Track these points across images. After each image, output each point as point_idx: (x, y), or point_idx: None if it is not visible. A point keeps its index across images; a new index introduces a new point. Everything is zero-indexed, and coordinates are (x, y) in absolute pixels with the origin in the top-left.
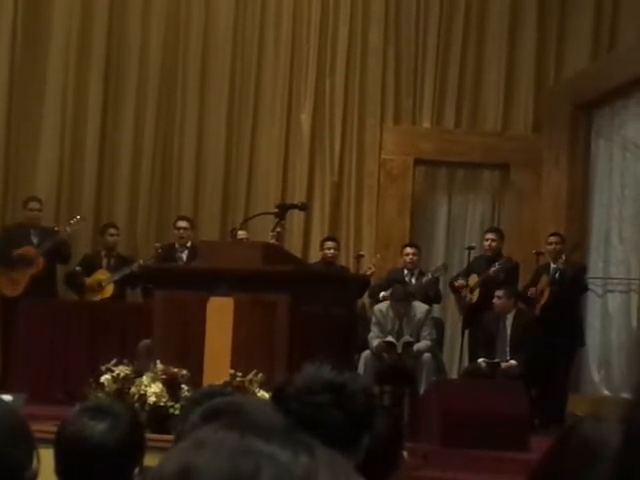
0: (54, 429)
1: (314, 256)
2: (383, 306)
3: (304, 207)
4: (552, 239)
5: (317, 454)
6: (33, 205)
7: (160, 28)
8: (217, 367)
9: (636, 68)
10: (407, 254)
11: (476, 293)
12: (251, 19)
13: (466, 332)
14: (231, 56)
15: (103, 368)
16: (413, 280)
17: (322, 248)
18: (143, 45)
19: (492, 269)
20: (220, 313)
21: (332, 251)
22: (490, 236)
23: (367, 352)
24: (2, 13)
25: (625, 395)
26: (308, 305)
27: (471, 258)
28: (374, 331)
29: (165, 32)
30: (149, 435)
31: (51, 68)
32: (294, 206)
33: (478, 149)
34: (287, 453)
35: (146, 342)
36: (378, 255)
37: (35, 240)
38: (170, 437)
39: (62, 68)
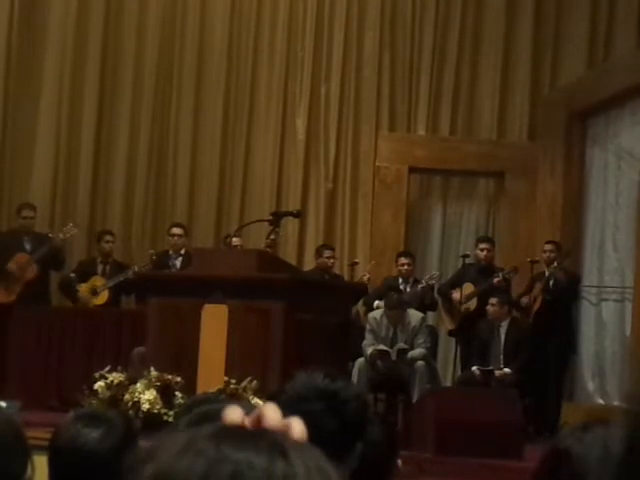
0: (48, 436)
1: (309, 263)
2: (377, 314)
3: (298, 214)
4: (547, 247)
5: (291, 458)
6: (27, 213)
7: (155, 35)
8: (211, 374)
9: (631, 77)
10: (402, 264)
11: (473, 302)
12: (246, 26)
13: (459, 340)
14: (226, 63)
15: (97, 375)
16: (408, 288)
17: (319, 256)
18: (138, 52)
19: (496, 279)
20: (214, 320)
21: (332, 260)
22: (485, 246)
23: (361, 360)
24: None
25: (620, 404)
26: (302, 312)
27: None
28: (368, 339)
29: (160, 38)
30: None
31: (46, 75)
32: (289, 213)
33: (473, 157)
34: (263, 458)
35: (140, 349)
36: (373, 262)
37: (28, 247)
38: None
39: (57, 76)
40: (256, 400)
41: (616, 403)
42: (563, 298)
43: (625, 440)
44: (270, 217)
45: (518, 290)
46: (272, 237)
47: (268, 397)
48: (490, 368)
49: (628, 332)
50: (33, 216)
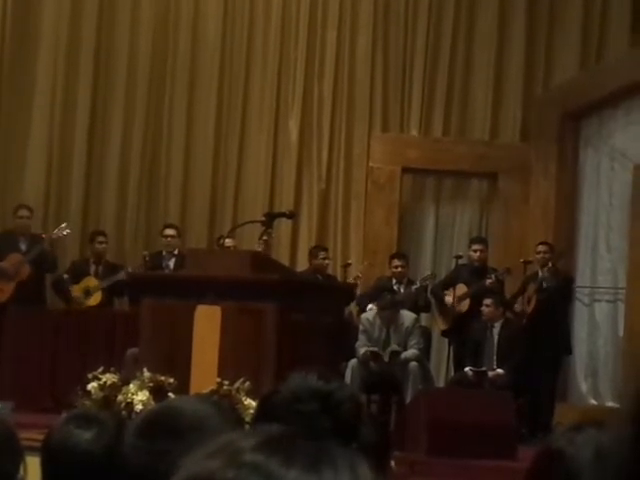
0: (41, 437)
1: (302, 264)
2: (370, 314)
3: (292, 215)
4: (541, 248)
5: None
6: (22, 213)
7: (148, 35)
8: (204, 375)
9: (624, 77)
10: (395, 266)
11: (466, 303)
12: (239, 26)
13: (451, 341)
14: (219, 63)
15: (90, 376)
16: (402, 289)
17: (313, 257)
18: (131, 52)
19: (489, 280)
20: (207, 321)
21: (327, 261)
22: (478, 247)
23: (354, 360)
24: None
25: (613, 404)
26: (295, 313)
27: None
28: (361, 339)
29: (153, 39)
30: None
31: (39, 75)
32: (282, 214)
33: (466, 158)
34: None
35: (133, 350)
36: (366, 263)
37: (23, 247)
38: None
39: (50, 76)
40: (249, 401)
41: (609, 404)
42: (557, 299)
43: (620, 440)
44: (263, 218)
45: (511, 291)
46: (265, 238)
47: (262, 399)
48: (483, 369)
49: (621, 333)
50: (29, 216)
